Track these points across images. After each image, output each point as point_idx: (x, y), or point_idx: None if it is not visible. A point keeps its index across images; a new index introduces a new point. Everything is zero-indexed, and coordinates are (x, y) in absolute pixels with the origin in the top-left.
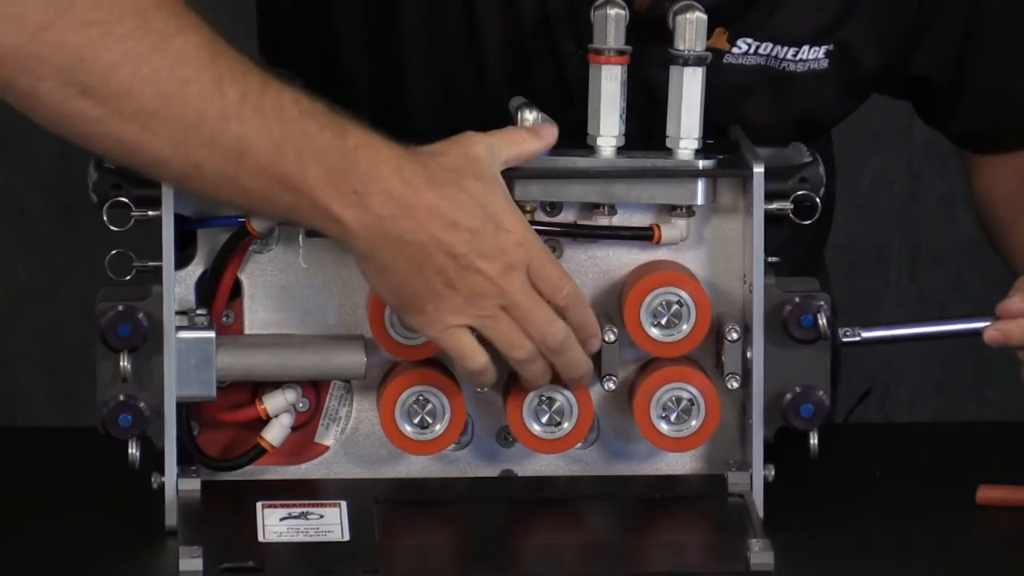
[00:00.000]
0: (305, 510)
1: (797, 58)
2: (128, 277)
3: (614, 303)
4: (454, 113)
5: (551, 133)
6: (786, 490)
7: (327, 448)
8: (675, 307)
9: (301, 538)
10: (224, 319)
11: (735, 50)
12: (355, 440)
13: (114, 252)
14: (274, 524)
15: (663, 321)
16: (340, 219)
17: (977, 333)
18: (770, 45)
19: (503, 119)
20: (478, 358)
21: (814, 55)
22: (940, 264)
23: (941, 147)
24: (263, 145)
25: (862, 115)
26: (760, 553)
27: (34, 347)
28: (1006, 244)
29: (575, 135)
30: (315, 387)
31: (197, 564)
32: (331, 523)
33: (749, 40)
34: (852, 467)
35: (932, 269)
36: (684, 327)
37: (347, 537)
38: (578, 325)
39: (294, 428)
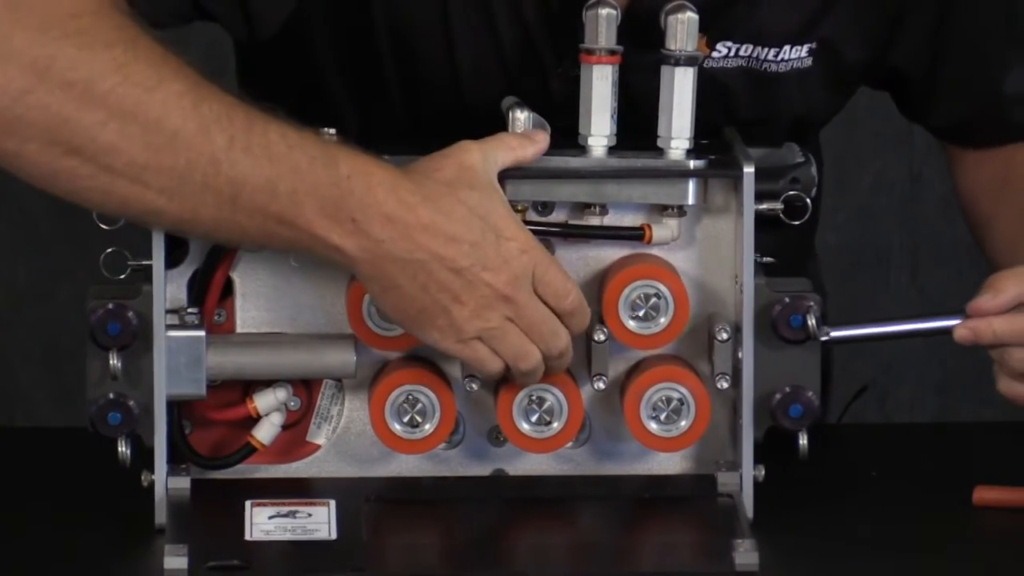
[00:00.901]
0: (293, 509)
1: (779, 58)
2: (123, 276)
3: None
4: (438, 129)
5: (544, 137)
6: (782, 491)
7: (318, 447)
8: (653, 300)
9: (288, 537)
10: (216, 318)
11: (715, 54)
12: (346, 439)
13: (109, 251)
14: (262, 522)
15: (641, 314)
16: (340, 248)
17: (948, 332)
18: (750, 47)
19: (486, 134)
20: (498, 362)
21: (796, 54)
22: (940, 264)
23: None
24: (256, 186)
25: (863, 116)
26: (746, 553)
27: (34, 347)
28: (988, 240)
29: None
30: (306, 386)
31: (182, 562)
32: (319, 522)
33: (729, 43)
34: (849, 468)
35: (932, 269)
36: (662, 320)
37: (334, 536)
38: (578, 330)
39: (285, 427)
